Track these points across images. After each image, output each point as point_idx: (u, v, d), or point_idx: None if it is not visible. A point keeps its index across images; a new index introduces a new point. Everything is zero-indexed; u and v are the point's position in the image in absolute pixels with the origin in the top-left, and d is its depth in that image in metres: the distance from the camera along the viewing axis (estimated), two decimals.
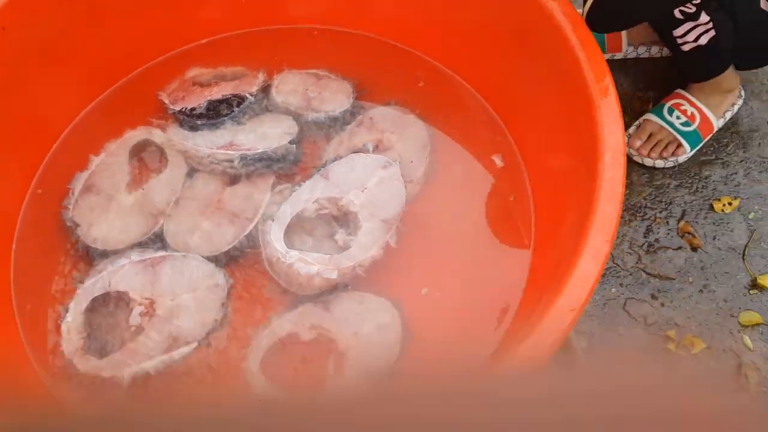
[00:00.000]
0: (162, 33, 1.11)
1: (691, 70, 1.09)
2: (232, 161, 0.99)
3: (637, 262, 1.05)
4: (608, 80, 0.77)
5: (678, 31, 0.96)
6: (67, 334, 0.85)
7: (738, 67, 1.10)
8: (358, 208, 0.95)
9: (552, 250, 0.84)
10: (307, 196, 0.96)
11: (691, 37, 0.96)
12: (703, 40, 0.95)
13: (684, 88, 1.15)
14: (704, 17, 0.92)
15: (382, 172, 0.98)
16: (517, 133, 1.00)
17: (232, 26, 1.15)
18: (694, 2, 0.91)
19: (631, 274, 1.03)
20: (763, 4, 0.92)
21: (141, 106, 1.08)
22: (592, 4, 0.85)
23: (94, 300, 0.88)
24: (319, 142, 1.06)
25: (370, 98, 1.09)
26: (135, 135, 1.04)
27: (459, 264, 0.93)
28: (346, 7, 1.13)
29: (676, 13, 0.93)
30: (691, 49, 0.98)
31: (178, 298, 0.88)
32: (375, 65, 1.12)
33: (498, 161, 1.00)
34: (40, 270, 0.93)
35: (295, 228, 0.96)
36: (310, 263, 0.89)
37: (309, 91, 1.10)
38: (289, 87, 1.10)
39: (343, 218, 0.97)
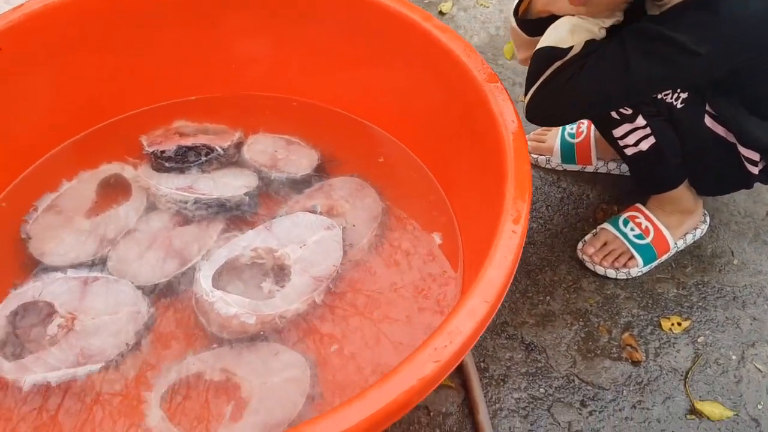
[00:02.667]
0: (155, 84, 1.25)
1: (641, 180, 1.15)
2: (186, 203, 1.08)
3: (571, 366, 1.05)
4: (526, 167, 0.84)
5: (617, 132, 1.02)
6: None
7: (699, 193, 1.15)
8: (292, 262, 1.01)
9: None
10: (246, 243, 1.03)
11: (631, 140, 1.02)
12: (644, 146, 1.01)
13: (644, 203, 1.20)
14: (641, 120, 0.99)
15: (323, 233, 1.05)
16: (459, 212, 1.07)
17: (222, 89, 1.28)
18: (628, 106, 0.98)
19: (563, 377, 1.04)
20: (707, 122, 0.98)
21: (122, 144, 1.19)
22: (529, 101, 0.93)
23: (22, 306, 0.94)
24: (277, 200, 1.14)
25: (334, 167, 1.18)
26: (109, 168, 1.15)
27: (379, 327, 0.96)
28: (324, 85, 1.25)
29: (613, 113, 1.00)
30: (633, 153, 1.04)
31: (98, 318, 0.93)
32: (343, 138, 1.22)
33: (437, 239, 1.06)
34: None
35: (230, 273, 1.01)
36: (230, 304, 0.94)
37: (277, 153, 1.20)
38: (260, 147, 1.21)
39: (277, 270, 1.02)
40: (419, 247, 1.06)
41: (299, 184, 1.16)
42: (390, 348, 0.95)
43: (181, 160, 1.14)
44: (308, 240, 1.04)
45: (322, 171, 1.18)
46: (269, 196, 1.14)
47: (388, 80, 1.16)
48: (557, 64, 0.90)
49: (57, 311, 0.93)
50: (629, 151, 1.04)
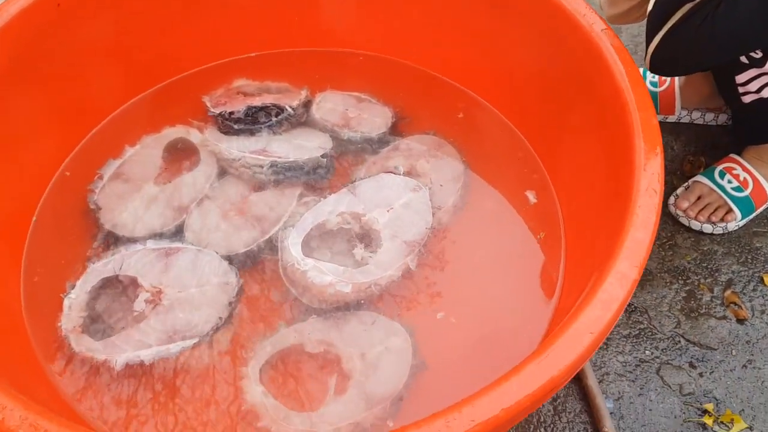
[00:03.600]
0: (214, 41, 1.17)
1: (749, 129, 1.08)
2: (261, 167, 1.02)
3: (675, 327, 1.01)
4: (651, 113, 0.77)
5: (741, 78, 0.95)
6: (68, 310, 0.86)
7: None
8: (381, 227, 0.96)
9: (581, 287, 0.82)
10: (331, 208, 0.97)
11: (754, 86, 0.95)
12: (766, 93, 0.95)
13: (739, 154, 1.13)
14: None
15: (410, 195, 0.99)
16: (554, 171, 1.00)
17: (283, 44, 1.21)
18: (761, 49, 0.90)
19: (668, 338, 0.99)
20: None
21: (183, 106, 1.13)
22: (654, 51, 0.86)
23: (103, 281, 0.89)
24: (353, 160, 1.08)
25: (409, 125, 1.12)
26: (173, 132, 1.09)
27: (479, 294, 0.91)
28: (393, 37, 1.18)
29: (742, 57, 0.92)
30: (752, 101, 0.97)
31: (185, 291, 0.89)
32: (417, 94, 1.15)
33: (531, 197, 1.00)
34: (55, 246, 0.96)
35: (315, 239, 0.96)
36: (324, 272, 0.89)
37: (349, 112, 1.13)
38: (330, 105, 1.14)
39: (364, 235, 0.97)
40: (511, 206, 1.00)
41: (374, 144, 1.10)
42: (493, 312, 0.90)
43: (252, 121, 1.07)
44: (395, 203, 0.98)
45: (396, 129, 1.11)
46: (344, 157, 1.08)
47: (465, 27, 1.09)
48: (688, 6, 0.82)
49: (141, 285, 0.88)
50: (748, 98, 0.97)
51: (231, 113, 1.07)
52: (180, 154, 1.08)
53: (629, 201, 0.69)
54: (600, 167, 0.85)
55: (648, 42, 0.88)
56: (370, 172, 1.05)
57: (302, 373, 0.86)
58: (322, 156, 1.04)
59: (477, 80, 1.12)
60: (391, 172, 1.03)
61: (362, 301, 0.91)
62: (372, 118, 1.12)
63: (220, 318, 0.87)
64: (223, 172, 1.05)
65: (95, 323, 0.87)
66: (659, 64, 0.88)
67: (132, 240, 0.96)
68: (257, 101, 1.10)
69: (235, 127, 1.07)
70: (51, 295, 0.90)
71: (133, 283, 0.89)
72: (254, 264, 0.96)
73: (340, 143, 1.09)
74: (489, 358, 0.85)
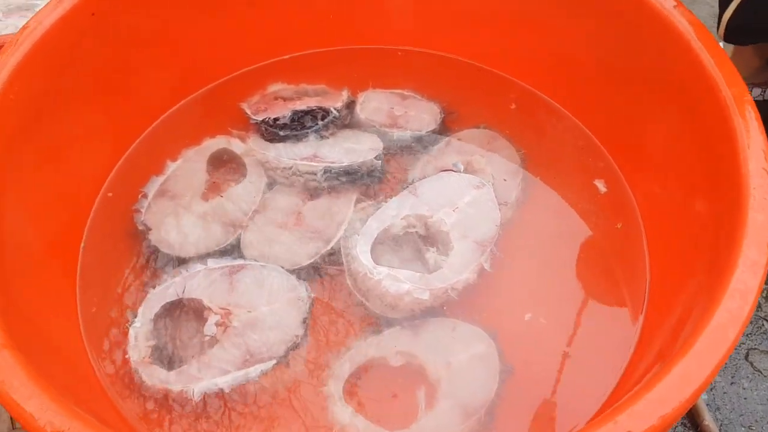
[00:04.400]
0: (246, 46, 1.13)
1: None
2: (314, 174, 0.98)
3: (757, 311, 0.98)
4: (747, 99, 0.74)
5: None
6: (134, 340, 0.82)
7: None
8: (449, 228, 0.92)
9: (677, 274, 0.79)
10: (395, 212, 0.94)
11: None
12: None
13: None
14: None
15: (474, 192, 0.96)
16: (623, 158, 0.98)
17: (316, 44, 1.17)
18: None
19: (751, 323, 0.97)
20: None
21: (220, 115, 1.08)
22: (731, 17, 0.83)
23: (165, 307, 0.85)
24: (404, 161, 1.04)
25: (458, 120, 1.08)
26: (214, 143, 1.04)
27: (566, 291, 0.88)
28: (433, 30, 1.14)
29: None
30: None
31: (256, 310, 0.84)
32: (463, 87, 1.12)
33: (601, 186, 0.97)
34: (108, 273, 0.91)
35: (381, 246, 0.92)
36: (400, 280, 0.85)
37: (394, 110, 1.09)
38: (374, 105, 1.10)
39: (431, 238, 0.94)
40: (580, 196, 0.97)
41: (425, 142, 1.06)
42: (581, 309, 0.87)
43: (298, 126, 1.03)
44: (460, 202, 0.94)
45: (445, 125, 1.08)
46: (395, 158, 1.04)
47: (512, 13, 1.05)
48: None
49: (209, 308, 0.84)
50: None
51: (276, 119, 1.03)
52: (224, 166, 1.03)
53: (740, 184, 0.66)
54: (684, 150, 0.82)
55: (722, 10, 0.85)
56: (425, 172, 1.01)
57: (387, 388, 0.82)
58: (376, 158, 1.00)
59: (528, 69, 1.09)
60: (450, 170, 0.99)
61: (440, 308, 0.88)
62: (419, 114, 1.09)
63: (297, 336, 0.83)
64: (272, 182, 1.01)
65: (163, 352, 0.83)
66: (735, 32, 0.85)
67: (187, 260, 0.91)
68: (300, 105, 1.06)
69: (281, 133, 1.03)
70: (112, 325, 0.85)
71: (199, 306, 0.85)
72: (319, 276, 0.92)
73: (390, 144, 1.05)
74: (582, 358, 0.82)
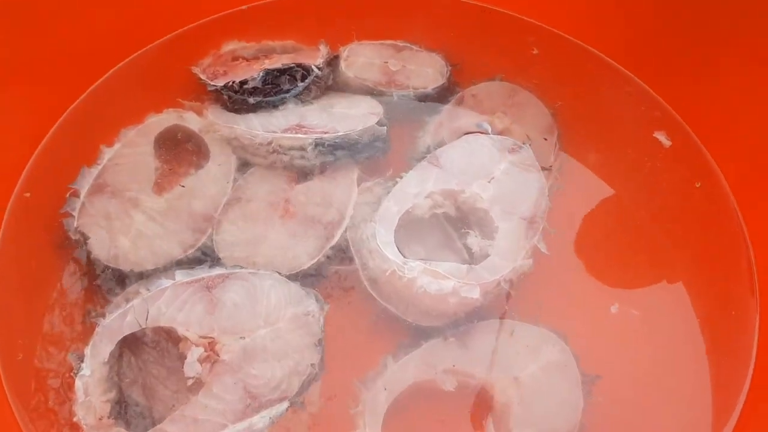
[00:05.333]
0: None
1: None
2: (303, 149, 0.76)
3: None
4: None
5: None
6: (84, 395, 0.58)
7: None
8: (487, 204, 0.72)
9: None
10: (416, 188, 0.73)
11: None
12: None
13: None
14: None
15: (510, 158, 0.77)
16: (685, 108, 0.81)
17: None
18: None
19: None
20: None
21: (165, 84, 0.85)
22: None
23: (123, 343, 0.61)
24: (409, 126, 0.84)
25: (467, 72, 0.89)
26: (160, 120, 0.81)
27: (654, 272, 0.70)
28: None
29: None
30: None
31: (251, 336, 0.62)
32: (468, 33, 0.93)
33: (663, 139, 0.80)
34: (32, 303, 0.66)
35: (400, 233, 0.72)
36: (442, 277, 0.65)
37: (389, 65, 0.88)
38: (363, 60, 0.89)
39: (464, 219, 0.74)
40: (638, 153, 0.80)
41: (433, 101, 0.86)
42: (680, 297, 0.69)
43: (272, 90, 0.81)
44: (495, 170, 0.75)
45: (453, 80, 0.88)
46: (398, 123, 0.84)
47: None
48: None
49: (185, 338, 0.61)
50: None
51: (242, 83, 0.80)
52: (178, 148, 0.80)
53: None
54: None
55: None
56: (439, 137, 0.82)
57: (444, 422, 0.62)
58: (379, 124, 0.79)
59: (549, 7, 0.90)
60: (475, 132, 0.80)
61: (488, 307, 0.68)
62: (421, 69, 0.88)
63: (311, 365, 0.61)
64: (245, 164, 0.78)
65: (128, 408, 0.59)
66: None
67: (145, 274, 0.68)
68: (271, 64, 0.83)
69: (251, 100, 0.80)
70: (47, 376, 0.61)
71: (172, 337, 0.62)
72: (326, 281, 0.71)
73: (388, 107, 0.84)
74: (690, 356, 0.65)
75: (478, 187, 0.73)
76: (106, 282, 0.67)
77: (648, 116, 0.82)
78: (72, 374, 0.58)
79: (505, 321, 0.68)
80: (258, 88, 0.80)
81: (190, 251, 0.70)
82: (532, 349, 0.66)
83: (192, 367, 0.59)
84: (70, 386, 0.58)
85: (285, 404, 0.59)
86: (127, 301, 0.63)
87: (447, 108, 0.85)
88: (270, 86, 0.81)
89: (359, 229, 0.73)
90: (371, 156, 0.79)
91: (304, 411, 0.61)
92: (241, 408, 0.58)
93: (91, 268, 0.68)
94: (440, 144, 0.79)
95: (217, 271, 0.66)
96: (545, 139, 0.80)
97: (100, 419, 0.57)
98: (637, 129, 0.81)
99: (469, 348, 0.66)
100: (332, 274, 0.71)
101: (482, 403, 0.63)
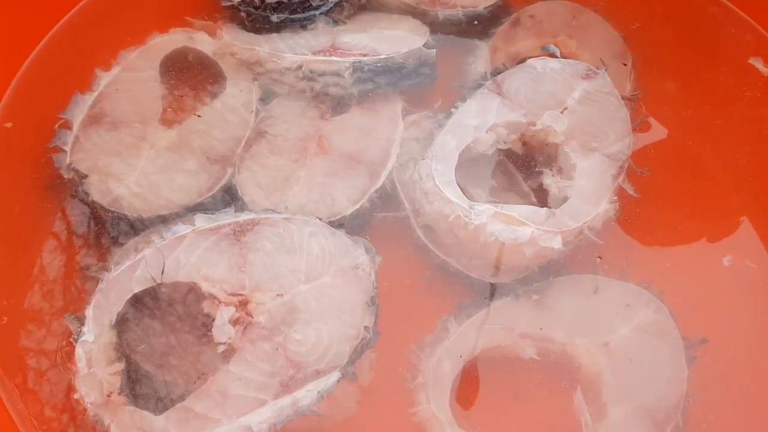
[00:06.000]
0: None
1: None
2: (338, 74, 0.64)
3: None
4: None
5: None
6: (84, 366, 0.47)
7: None
8: (561, 139, 0.61)
9: None
10: (477, 121, 0.62)
11: None
12: None
13: None
14: None
15: (584, 85, 0.65)
16: None
17: None
18: None
19: None
20: None
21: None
22: None
23: (133, 301, 0.50)
24: (457, 51, 0.73)
25: None
26: (166, 40, 0.69)
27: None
28: None
29: None
30: None
31: (291, 292, 0.51)
32: None
33: (760, 66, 0.69)
34: (18, 254, 0.55)
35: (457, 175, 0.61)
36: (519, 222, 0.54)
37: None
38: None
39: (531, 156, 0.63)
40: (731, 82, 0.69)
41: (485, 22, 0.74)
42: None
43: (299, 6, 0.68)
44: (567, 99, 0.64)
45: None
46: (444, 47, 0.72)
47: None
48: None
49: (211, 295, 0.50)
50: None
51: None
52: (188, 74, 0.68)
53: None
54: None
55: None
56: (493, 64, 0.70)
57: (521, 395, 0.52)
58: (426, 46, 0.67)
59: None
60: (543, 56, 0.68)
61: (566, 260, 0.58)
62: None
63: (366, 329, 0.51)
64: (267, 93, 0.66)
65: (142, 381, 0.48)
66: None
67: (156, 221, 0.56)
68: None
69: (274, 18, 0.68)
70: (40, 342, 0.50)
71: (195, 293, 0.51)
72: (370, 229, 0.60)
73: (434, 28, 0.72)
74: None
75: (550, 119, 0.62)
76: (112, 229, 0.56)
77: (739, 40, 0.71)
78: (71, 340, 0.47)
79: (586, 276, 0.57)
80: (283, 2, 0.68)
81: (206, 195, 0.59)
82: (622, 309, 0.56)
83: (223, 330, 0.48)
84: (69, 357, 0.47)
85: (336, 375, 0.49)
86: (137, 251, 0.52)
87: (501, 30, 0.74)
88: (296, 2, 0.68)
89: (408, 169, 0.62)
90: (416, 84, 0.68)
91: (357, 384, 0.51)
92: (280, 382, 0.48)
93: (92, 213, 0.57)
94: (496, 71, 0.68)
95: (245, 216, 0.54)
96: (624, 65, 0.68)
97: (108, 396, 0.46)
98: (726, 54, 0.70)
99: (545, 308, 0.56)
100: (378, 222, 0.60)
101: (566, 374, 0.53)
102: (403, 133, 0.65)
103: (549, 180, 0.59)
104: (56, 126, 0.60)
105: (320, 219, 0.56)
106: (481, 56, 0.72)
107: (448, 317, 0.56)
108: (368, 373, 0.53)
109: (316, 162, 0.62)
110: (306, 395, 0.48)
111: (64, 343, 0.50)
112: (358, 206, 0.59)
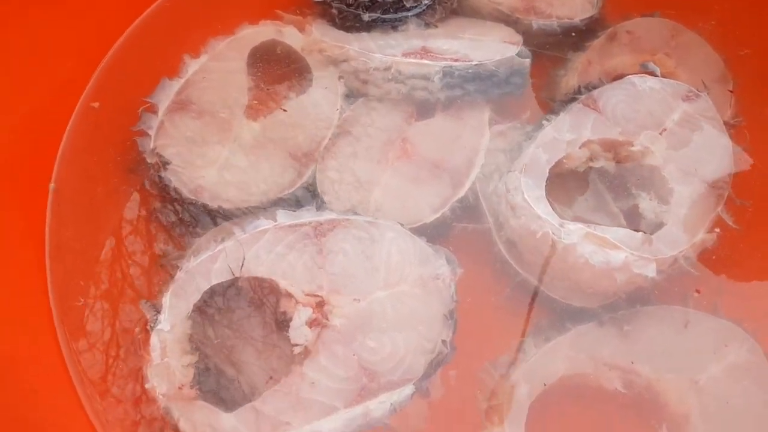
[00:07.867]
0: None
1: None
2: (427, 78, 0.63)
3: None
4: None
5: None
6: (158, 356, 0.46)
7: None
8: (659, 161, 0.58)
9: None
10: (570, 135, 0.59)
11: None
12: None
13: None
14: None
15: (685, 107, 0.62)
16: None
17: None
18: None
19: None
20: None
21: None
22: None
23: (210, 294, 0.50)
24: (548, 63, 0.70)
25: (621, 4, 0.74)
26: (256, 32, 0.68)
27: None
28: None
29: None
30: None
31: (368, 298, 0.50)
32: None
33: None
34: (94, 236, 0.55)
35: (546, 188, 0.58)
36: (613, 246, 0.52)
37: None
38: None
39: (622, 177, 0.60)
40: None
41: (581, 35, 0.72)
42: None
43: (392, 6, 0.67)
44: (667, 120, 0.61)
45: (604, 11, 0.73)
46: (536, 58, 0.69)
47: None
48: None
49: (290, 294, 0.49)
50: None
51: None
52: (275, 67, 0.67)
53: None
54: None
55: None
56: (586, 78, 0.68)
57: (600, 428, 0.50)
58: (520, 55, 0.65)
59: None
60: (642, 74, 0.65)
61: (652, 289, 0.55)
62: None
63: (443, 342, 0.49)
64: (352, 92, 0.65)
65: (214, 376, 0.48)
66: None
67: (237, 214, 0.56)
68: None
69: (365, 17, 0.67)
70: (112, 327, 0.49)
71: (272, 290, 0.50)
72: (449, 239, 0.58)
73: (526, 37, 0.70)
74: None
75: (648, 139, 0.59)
76: (188, 219, 0.56)
77: None
78: (148, 328, 0.46)
79: (677, 308, 0.54)
80: (376, 0, 0.67)
81: (287, 191, 0.58)
82: (714, 345, 0.53)
83: (300, 332, 0.47)
84: (144, 345, 0.47)
85: (410, 388, 0.47)
86: (216, 242, 0.51)
87: (597, 43, 0.71)
88: (390, 2, 0.67)
89: (492, 180, 0.60)
90: (505, 94, 0.66)
91: (430, 401, 0.49)
92: (353, 389, 0.46)
93: (172, 201, 0.57)
94: (589, 86, 0.65)
95: (327, 215, 0.53)
96: (730, 92, 0.65)
97: (180, 388, 0.45)
98: None
99: (630, 338, 0.53)
100: (458, 232, 0.58)
101: (652, 410, 0.50)
102: (488, 143, 0.63)
103: (645, 204, 0.57)
104: (140, 110, 0.60)
105: (402, 224, 0.55)
106: (573, 69, 0.70)
107: (526, 339, 0.54)
108: (439, 388, 0.51)
109: (399, 166, 0.61)
110: (378, 406, 0.46)
111: (137, 329, 0.49)
112: (439, 215, 0.58)
